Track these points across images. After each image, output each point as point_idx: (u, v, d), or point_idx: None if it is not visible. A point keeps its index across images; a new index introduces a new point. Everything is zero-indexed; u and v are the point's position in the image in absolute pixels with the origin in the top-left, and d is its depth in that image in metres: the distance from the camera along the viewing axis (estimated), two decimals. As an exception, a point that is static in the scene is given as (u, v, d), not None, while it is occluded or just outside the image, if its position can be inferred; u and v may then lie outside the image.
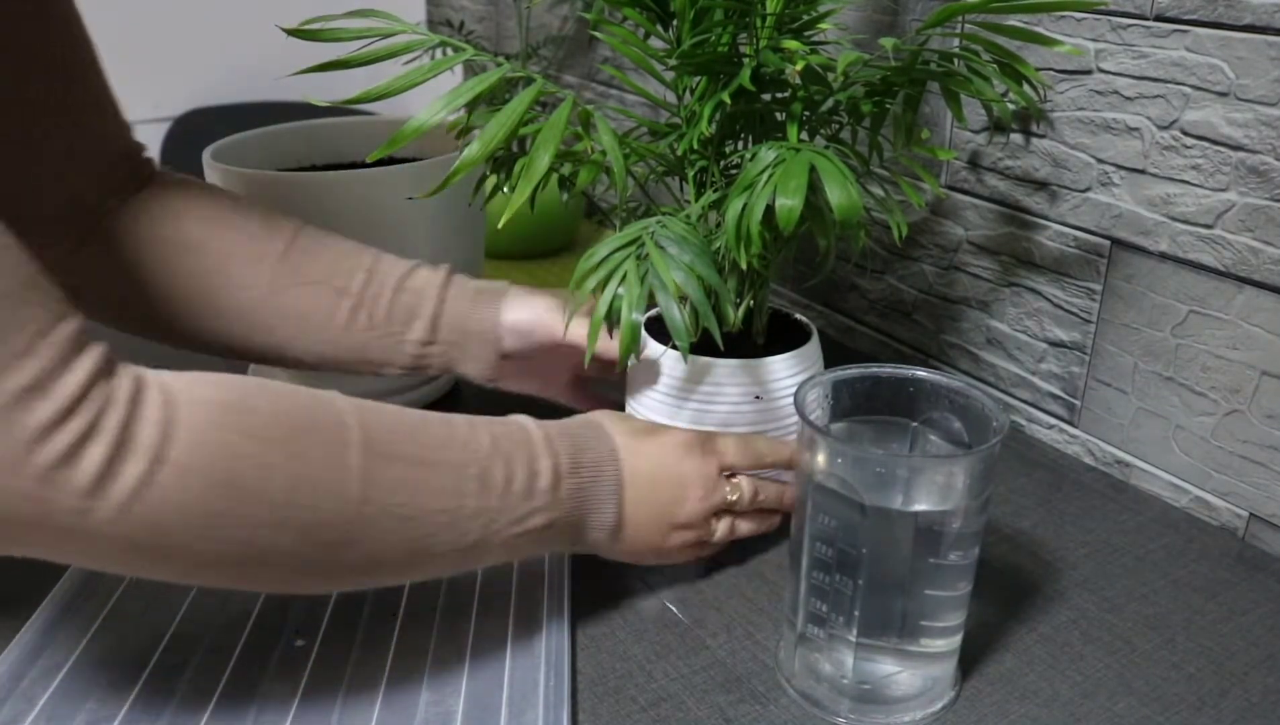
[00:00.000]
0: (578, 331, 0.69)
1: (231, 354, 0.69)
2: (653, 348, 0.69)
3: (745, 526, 0.65)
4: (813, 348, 0.70)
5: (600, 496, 0.57)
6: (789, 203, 0.55)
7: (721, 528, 0.63)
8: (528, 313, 0.71)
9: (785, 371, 0.67)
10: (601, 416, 0.62)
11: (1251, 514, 0.71)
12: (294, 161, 0.95)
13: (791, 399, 0.59)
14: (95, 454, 0.41)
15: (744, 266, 0.60)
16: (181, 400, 0.44)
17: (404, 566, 0.52)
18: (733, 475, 0.63)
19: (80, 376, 0.41)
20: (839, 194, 0.55)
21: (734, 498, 0.62)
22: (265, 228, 0.69)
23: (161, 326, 0.68)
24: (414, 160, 0.88)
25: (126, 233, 0.66)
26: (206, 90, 1.98)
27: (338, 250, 0.70)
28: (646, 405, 0.69)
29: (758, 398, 0.67)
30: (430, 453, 0.51)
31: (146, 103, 1.92)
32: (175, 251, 0.66)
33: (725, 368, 0.66)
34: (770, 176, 0.57)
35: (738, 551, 0.69)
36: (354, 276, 0.69)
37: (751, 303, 0.70)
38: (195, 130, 1.93)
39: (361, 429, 0.49)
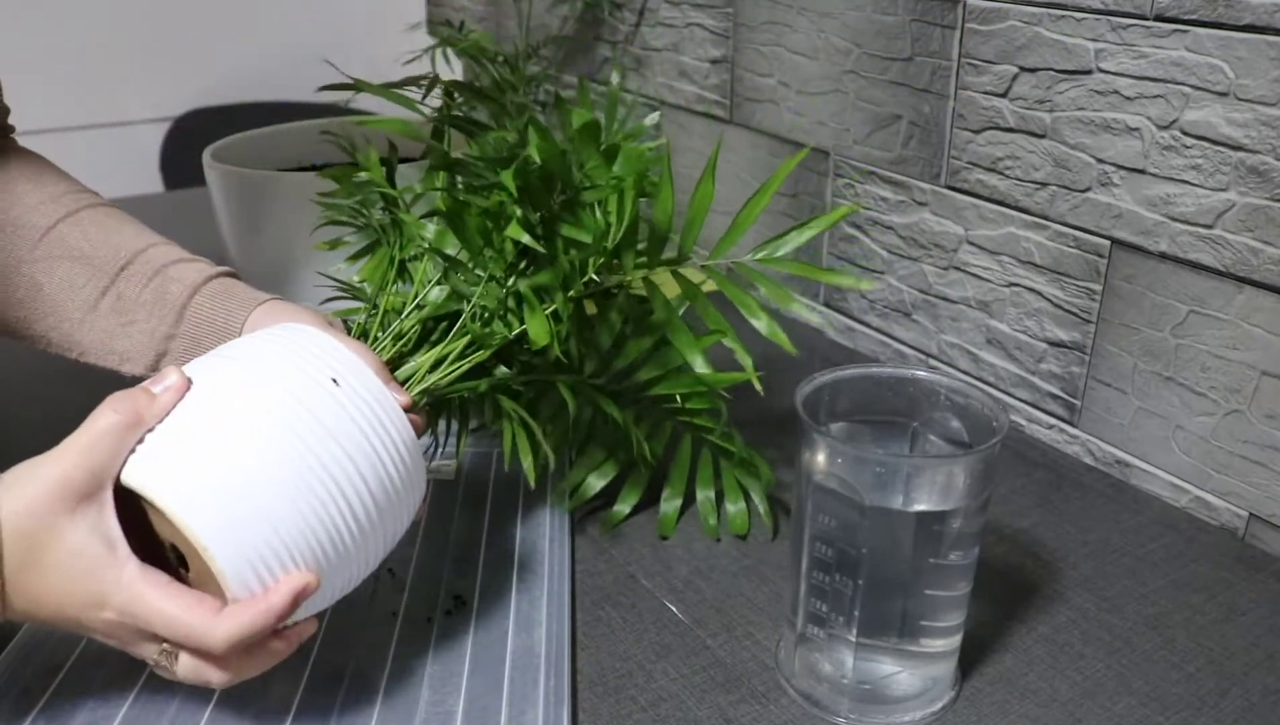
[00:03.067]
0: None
1: None
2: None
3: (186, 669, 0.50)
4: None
5: None
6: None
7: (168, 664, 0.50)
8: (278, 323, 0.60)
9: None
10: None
11: (1251, 514, 0.71)
12: (294, 161, 0.95)
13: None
14: None
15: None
16: None
17: None
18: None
19: None
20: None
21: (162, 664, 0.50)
22: (48, 199, 0.64)
23: None
24: (413, 160, 0.87)
25: None
26: (206, 90, 1.98)
27: (119, 231, 0.64)
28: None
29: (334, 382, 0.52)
30: None
31: (146, 103, 1.92)
32: None
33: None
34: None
35: (737, 551, 0.69)
36: (118, 255, 0.62)
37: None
38: (195, 130, 1.93)
39: None
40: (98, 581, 0.48)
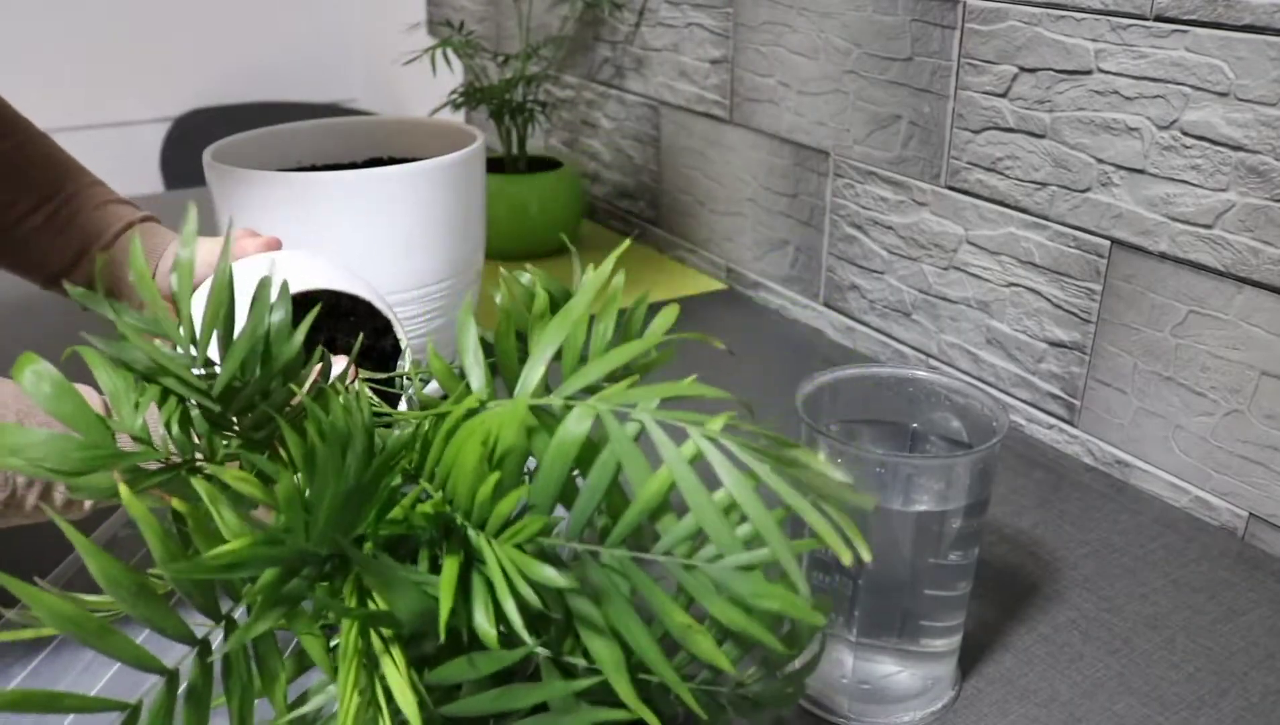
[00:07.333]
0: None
1: None
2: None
3: None
4: None
5: None
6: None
7: None
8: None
9: None
10: None
11: (1251, 514, 0.71)
12: (294, 161, 0.95)
13: None
14: None
15: None
16: None
17: None
18: None
19: None
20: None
21: None
22: None
23: None
24: (412, 160, 0.87)
25: None
26: (206, 90, 1.98)
27: (62, 163, 0.74)
28: None
29: None
30: None
31: (146, 103, 1.93)
32: None
33: None
34: None
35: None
36: (64, 184, 0.73)
37: None
38: (195, 130, 1.93)
39: None
40: None
